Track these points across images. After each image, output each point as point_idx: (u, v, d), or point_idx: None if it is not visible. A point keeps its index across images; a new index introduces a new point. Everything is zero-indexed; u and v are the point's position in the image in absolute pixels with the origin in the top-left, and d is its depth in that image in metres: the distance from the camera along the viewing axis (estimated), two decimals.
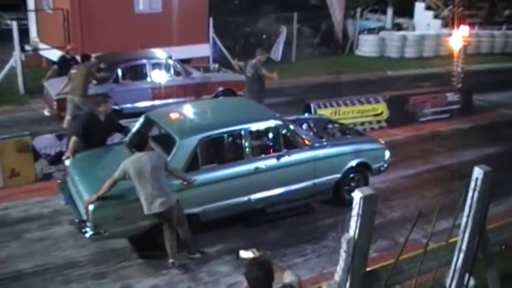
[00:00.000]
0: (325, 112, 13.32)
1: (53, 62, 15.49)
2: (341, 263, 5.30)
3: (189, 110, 9.55)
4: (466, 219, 5.98)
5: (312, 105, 13.32)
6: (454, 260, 6.25)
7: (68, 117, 12.13)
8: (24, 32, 20.96)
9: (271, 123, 9.05)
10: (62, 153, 10.57)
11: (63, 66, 13.68)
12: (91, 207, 7.41)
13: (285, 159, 8.90)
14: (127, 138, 9.23)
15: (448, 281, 6.38)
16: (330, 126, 10.97)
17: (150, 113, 9.51)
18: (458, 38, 16.73)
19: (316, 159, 9.24)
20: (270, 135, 9.18)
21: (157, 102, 13.60)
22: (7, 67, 16.40)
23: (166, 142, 8.35)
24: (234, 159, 8.70)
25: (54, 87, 13.09)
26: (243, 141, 8.62)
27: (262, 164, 8.71)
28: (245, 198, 8.68)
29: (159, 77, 13.91)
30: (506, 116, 17.17)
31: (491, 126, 15.80)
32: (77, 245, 8.42)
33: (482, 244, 6.34)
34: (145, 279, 7.70)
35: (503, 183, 10.27)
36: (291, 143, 9.06)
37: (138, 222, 7.75)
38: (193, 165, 8.15)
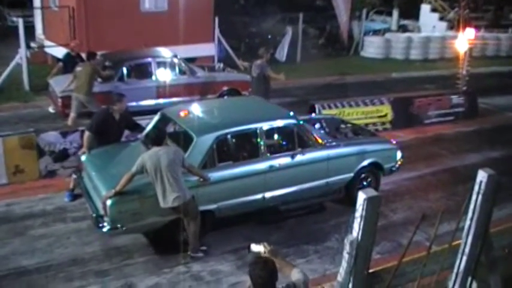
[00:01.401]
0: (330, 113, 13.31)
1: (58, 59, 15.50)
2: (344, 265, 5.30)
3: (204, 108, 9.66)
4: (469, 222, 5.97)
5: (316, 106, 13.32)
6: (457, 263, 6.25)
7: (72, 115, 12.14)
8: (30, 29, 21.03)
9: (286, 121, 9.15)
10: (67, 150, 10.68)
11: (68, 64, 13.69)
12: (109, 202, 7.48)
13: (299, 158, 8.97)
14: (142, 135, 9.32)
15: (451, 284, 6.38)
16: (342, 126, 11.04)
17: (166, 110, 9.59)
18: (464, 40, 16.70)
19: (329, 159, 9.31)
20: (285, 133, 9.26)
21: (162, 100, 13.64)
22: (12, 64, 16.41)
23: (183, 139, 8.42)
24: (249, 157, 8.79)
25: (59, 84, 13.09)
26: (258, 139, 8.71)
27: (276, 162, 8.78)
28: (259, 196, 8.76)
29: (164, 75, 13.92)
30: (511, 119, 17.15)
31: (495, 130, 15.78)
32: (80, 243, 8.46)
33: (486, 248, 6.33)
34: (148, 277, 7.71)
35: (507, 187, 10.27)
36: (304, 142, 9.13)
37: (155, 218, 7.84)
38: (209, 162, 8.23)
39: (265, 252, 4.78)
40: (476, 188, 5.77)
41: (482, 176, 5.70)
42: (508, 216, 9.83)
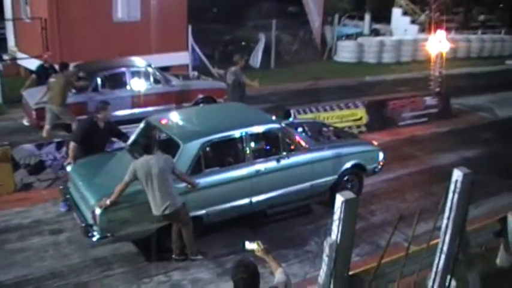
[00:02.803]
0: (305, 118, 13.36)
1: (31, 71, 15.35)
2: (324, 268, 5.34)
3: (189, 115, 9.83)
4: (446, 221, 6.06)
5: (291, 111, 13.38)
6: (436, 261, 6.32)
7: (47, 127, 12.03)
8: (1, 41, 20.84)
9: (270, 126, 9.30)
10: (42, 162, 10.58)
11: (41, 75, 13.55)
12: (98, 210, 7.47)
13: (284, 162, 9.08)
14: (127, 144, 9.34)
15: (430, 283, 6.45)
16: (324, 129, 11.13)
17: (150, 118, 9.59)
18: (436, 42, 16.91)
19: (313, 162, 9.43)
20: (269, 138, 9.38)
21: (137, 110, 13.56)
22: None
23: (169, 146, 8.41)
24: (235, 162, 8.87)
25: (32, 96, 12.95)
26: (244, 144, 8.80)
27: (262, 166, 8.87)
28: (247, 201, 8.85)
29: (138, 85, 13.84)
30: (484, 119, 17.45)
31: (469, 129, 16.03)
32: (59, 255, 8.36)
33: (463, 246, 6.42)
34: None
35: (482, 186, 10.42)
36: (289, 146, 9.27)
37: (145, 225, 7.86)
38: (196, 168, 8.29)
39: (258, 251, 4.98)
40: (452, 186, 5.85)
41: (457, 174, 5.79)
42: (484, 214, 9.96)
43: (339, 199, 4.91)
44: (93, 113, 9.50)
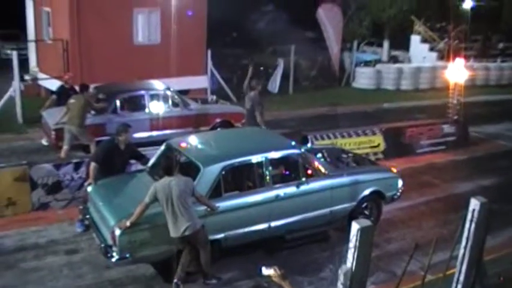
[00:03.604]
0: (322, 144, 13.35)
1: (52, 92, 15.55)
2: None
3: (209, 139, 9.93)
4: (463, 250, 6.00)
5: (309, 137, 13.38)
6: None
7: (65, 147, 12.15)
8: (23, 62, 21.14)
9: (290, 151, 9.37)
10: (60, 183, 10.67)
11: (61, 96, 13.72)
12: (118, 232, 7.52)
13: (304, 188, 9.09)
14: (148, 166, 9.43)
15: None
16: (343, 155, 11.13)
17: (171, 141, 9.67)
18: (455, 70, 16.87)
19: (333, 188, 9.46)
20: (289, 163, 9.40)
21: (155, 133, 13.69)
22: (6, 96, 16.49)
23: (189, 170, 8.45)
24: (255, 186, 8.90)
25: (52, 116, 13.11)
26: (264, 169, 8.83)
27: (282, 191, 8.89)
28: (265, 225, 8.85)
29: (157, 108, 13.96)
30: (502, 147, 17.29)
31: (487, 158, 15.90)
32: (73, 275, 8.40)
33: (480, 276, 6.34)
34: None
35: (499, 215, 10.33)
36: (309, 172, 9.29)
37: (164, 247, 7.87)
38: (215, 192, 8.32)
39: (275, 276, 4.95)
40: (469, 216, 5.81)
41: (474, 204, 5.74)
42: (501, 243, 9.85)
43: (355, 227, 4.89)
44: (114, 135, 9.59)
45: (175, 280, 7.85)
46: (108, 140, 9.81)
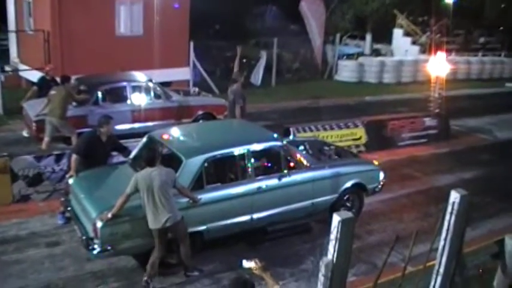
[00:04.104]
0: (304, 136, 13.38)
1: (33, 83, 15.41)
2: (320, 287, 5.31)
3: (191, 131, 9.94)
4: (443, 242, 6.06)
5: (291, 130, 13.40)
6: (432, 283, 6.31)
7: (46, 139, 12.05)
8: (4, 52, 20.92)
9: (272, 144, 9.36)
10: (40, 174, 10.58)
11: (42, 87, 13.59)
12: (99, 224, 7.47)
13: (286, 180, 9.11)
14: (129, 158, 9.38)
15: None
16: (325, 148, 11.16)
17: (153, 133, 9.63)
18: (436, 64, 17.00)
19: (314, 180, 9.48)
20: (271, 155, 9.39)
21: (137, 125, 13.62)
22: None
23: (171, 162, 8.40)
24: (237, 179, 8.89)
25: (33, 108, 12.99)
26: (246, 161, 8.83)
27: (264, 184, 8.91)
28: (248, 217, 8.86)
29: (139, 99, 13.89)
30: (483, 141, 17.48)
31: (468, 151, 16.07)
32: (55, 268, 8.34)
33: (460, 267, 6.41)
34: None
35: (480, 207, 10.46)
36: (291, 164, 9.30)
37: (146, 239, 7.80)
38: (198, 184, 8.30)
39: (256, 268, 4.97)
40: (449, 208, 5.86)
41: (454, 196, 5.80)
42: (481, 235, 9.95)
43: (336, 218, 4.91)
44: (96, 126, 9.53)
45: (144, 278, 7.78)
46: (90, 132, 9.75)
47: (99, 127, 9.41)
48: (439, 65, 16.96)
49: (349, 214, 5.09)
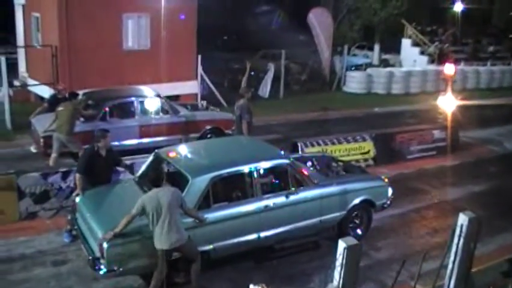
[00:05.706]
0: (312, 151, 13.31)
1: (43, 99, 15.42)
2: None
3: (198, 149, 9.91)
4: (451, 265, 5.99)
5: (299, 144, 13.34)
6: None
7: (53, 155, 12.04)
8: (13, 66, 21.01)
9: (279, 161, 9.30)
10: (47, 192, 10.57)
11: (53, 105, 13.57)
12: (105, 244, 7.44)
13: (293, 197, 9.06)
14: (136, 176, 9.36)
15: None
16: (333, 164, 11.10)
17: (160, 150, 9.59)
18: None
19: (322, 197, 9.42)
20: (278, 173, 9.34)
21: (144, 140, 13.62)
22: None
23: (178, 180, 8.37)
24: (244, 197, 8.83)
25: (41, 124, 13.01)
26: (253, 179, 8.79)
27: (271, 202, 8.86)
28: (255, 236, 8.80)
29: (146, 115, 13.91)
30: (492, 152, 17.31)
31: (477, 163, 15.90)
32: (60, 287, 8.29)
33: (469, 287, 6.34)
34: None
35: (490, 221, 10.31)
36: (298, 181, 9.24)
37: (153, 259, 7.75)
38: (204, 203, 8.27)
39: None
40: (457, 231, 5.79)
41: (462, 219, 5.73)
42: (492, 251, 9.82)
43: (341, 245, 4.85)
44: (93, 142, 9.50)
45: None
46: (88, 148, 9.70)
47: (96, 142, 9.36)
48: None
49: (355, 241, 5.03)
